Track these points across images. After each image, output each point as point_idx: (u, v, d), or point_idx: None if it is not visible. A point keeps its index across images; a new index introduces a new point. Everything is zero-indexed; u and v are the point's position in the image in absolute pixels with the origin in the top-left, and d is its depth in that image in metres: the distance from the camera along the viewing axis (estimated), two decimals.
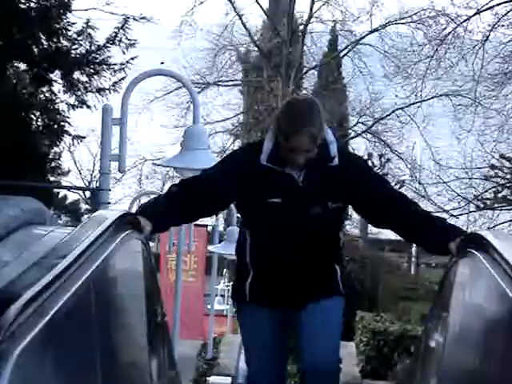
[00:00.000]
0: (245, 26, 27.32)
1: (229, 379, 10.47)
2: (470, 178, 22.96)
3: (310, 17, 27.37)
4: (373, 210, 3.70)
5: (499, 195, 22.94)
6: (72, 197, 25.24)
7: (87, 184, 28.27)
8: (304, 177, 3.57)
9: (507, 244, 2.73)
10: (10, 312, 1.71)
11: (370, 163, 4.24)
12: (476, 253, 2.96)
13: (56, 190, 17.82)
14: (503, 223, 22.03)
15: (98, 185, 6.66)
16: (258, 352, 3.85)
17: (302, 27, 27.62)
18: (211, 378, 10.64)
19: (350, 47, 27.48)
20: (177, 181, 3.88)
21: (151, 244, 14.27)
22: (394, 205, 3.64)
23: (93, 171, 28.04)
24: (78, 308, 2.19)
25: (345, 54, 27.96)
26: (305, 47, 27.37)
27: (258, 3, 27.27)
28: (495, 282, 2.50)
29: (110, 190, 6.61)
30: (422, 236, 3.66)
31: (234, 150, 4.01)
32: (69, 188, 20.20)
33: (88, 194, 25.77)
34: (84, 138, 12.84)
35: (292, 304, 3.71)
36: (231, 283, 4.26)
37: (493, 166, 23.46)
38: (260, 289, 3.71)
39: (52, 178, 14.57)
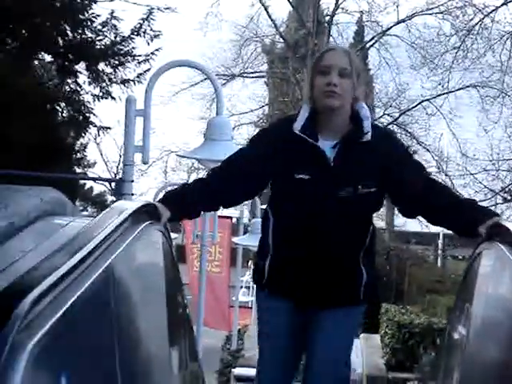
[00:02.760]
0: (270, 17, 27.31)
1: (253, 371, 10.45)
2: (497, 170, 22.82)
3: (336, 8, 27.28)
4: (406, 199, 3.51)
5: None
6: (98, 188, 25.42)
7: (113, 175, 28.37)
8: (336, 155, 3.40)
9: None
10: (25, 303, 1.68)
11: (408, 148, 3.99)
12: (500, 245, 2.91)
13: (82, 182, 17.93)
14: None
15: (121, 176, 6.66)
16: (270, 346, 3.69)
17: (327, 18, 27.55)
18: (236, 370, 10.66)
19: (376, 38, 27.36)
20: (202, 173, 3.80)
21: (176, 235, 14.28)
22: (430, 195, 3.45)
23: (119, 163, 28.13)
24: (95, 300, 2.16)
25: (371, 46, 27.85)
26: (331, 38, 27.25)
27: None
28: None
29: (133, 181, 6.60)
30: (452, 219, 3.47)
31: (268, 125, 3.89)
32: (93, 179, 20.22)
33: (113, 185, 25.84)
34: (109, 128, 12.84)
35: (309, 300, 3.53)
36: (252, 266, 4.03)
37: None
38: (278, 273, 3.55)
39: (78, 170, 14.62)
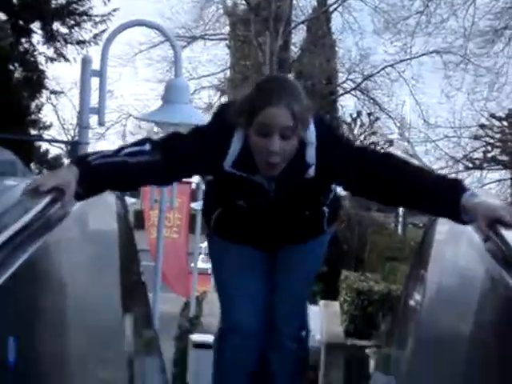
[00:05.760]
0: None
1: (211, 337, 10.42)
2: (459, 137, 22.92)
3: None
4: (361, 189, 3.07)
5: (488, 155, 22.89)
6: (54, 151, 25.01)
7: (70, 138, 28.02)
8: (275, 186, 3.06)
9: None
10: None
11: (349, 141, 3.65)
12: None
13: (37, 144, 17.61)
14: (491, 183, 22.04)
15: (77, 138, 6.53)
16: (232, 291, 3.44)
17: None
18: (193, 336, 10.60)
19: (339, 1, 27.18)
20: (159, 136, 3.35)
21: (134, 200, 14.14)
22: (396, 181, 2.90)
23: (76, 126, 27.76)
24: (44, 265, 2.12)
25: (335, 9, 27.65)
26: (294, 1, 27.02)
27: None
28: (473, 242, 2.44)
29: (88, 143, 6.49)
30: (426, 205, 2.92)
31: (205, 131, 3.06)
32: (48, 141, 19.86)
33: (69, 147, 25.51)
34: (62, 92, 12.65)
35: (269, 245, 3.40)
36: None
37: (482, 126, 23.38)
38: (229, 224, 3.37)
39: (33, 132, 14.38)
